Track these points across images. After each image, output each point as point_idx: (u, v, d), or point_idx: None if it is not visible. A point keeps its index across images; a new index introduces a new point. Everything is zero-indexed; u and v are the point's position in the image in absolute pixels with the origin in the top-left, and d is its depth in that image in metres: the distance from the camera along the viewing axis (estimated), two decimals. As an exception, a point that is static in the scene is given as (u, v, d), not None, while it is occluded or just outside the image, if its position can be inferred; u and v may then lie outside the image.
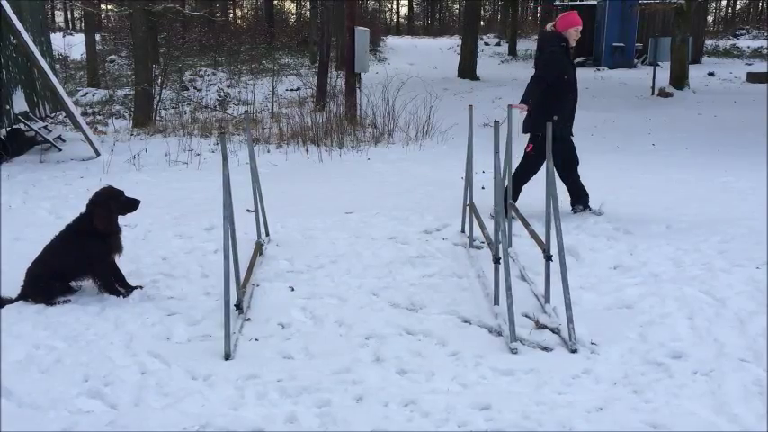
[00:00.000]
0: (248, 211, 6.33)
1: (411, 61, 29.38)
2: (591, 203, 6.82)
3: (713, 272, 5.14)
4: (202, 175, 9.04)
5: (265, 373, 3.79)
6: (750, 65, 28.09)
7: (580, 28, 6.56)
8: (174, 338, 4.29)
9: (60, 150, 10.67)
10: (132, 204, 5.08)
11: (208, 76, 22.39)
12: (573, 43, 6.60)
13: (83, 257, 4.82)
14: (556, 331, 4.29)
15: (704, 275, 5.08)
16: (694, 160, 10.15)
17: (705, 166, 9.59)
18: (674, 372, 3.76)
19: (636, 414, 3.38)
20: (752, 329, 4.21)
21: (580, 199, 6.80)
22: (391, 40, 42.13)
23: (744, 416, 3.33)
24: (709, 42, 35.77)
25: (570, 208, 6.80)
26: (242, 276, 4.74)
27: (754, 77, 22.43)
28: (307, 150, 10.67)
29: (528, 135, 6.70)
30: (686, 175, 8.96)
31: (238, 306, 4.48)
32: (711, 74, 24.44)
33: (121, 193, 5.05)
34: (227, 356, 3.98)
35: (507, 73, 25.80)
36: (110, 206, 4.92)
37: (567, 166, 6.65)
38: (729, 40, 41.02)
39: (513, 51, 34.20)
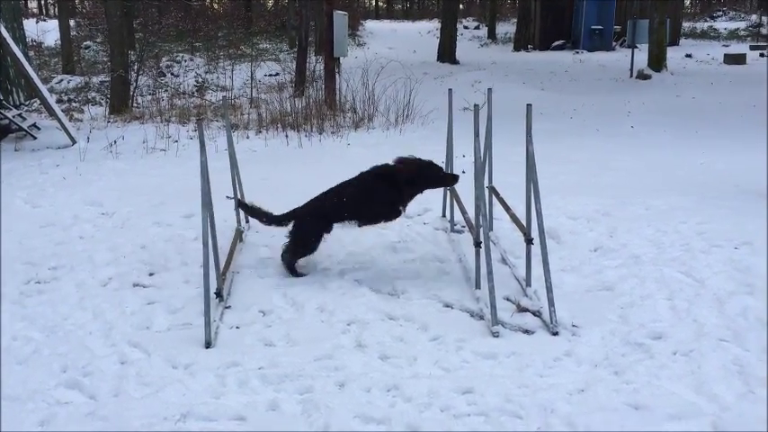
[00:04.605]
0: (227, 198, 6.27)
1: (390, 45, 29.27)
2: None
3: (692, 253, 5.18)
4: (181, 162, 8.94)
5: (247, 361, 3.77)
6: (727, 46, 28.29)
7: None
8: (153, 327, 4.25)
9: (35, 138, 10.51)
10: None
11: (185, 61, 22.11)
12: None
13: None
14: (537, 314, 4.30)
15: (684, 257, 5.12)
16: (673, 142, 10.22)
17: (683, 147, 9.65)
18: (654, 353, 3.79)
19: (617, 395, 3.40)
20: (731, 309, 4.25)
21: None
22: (370, 24, 41.94)
23: (723, 395, 3.37)
24: (686, 24, 35.98)
25: None
26: (222, 264, 4.70)
27: (730, 59, 22.60)
28: (286, 136, 10.59)
29: None
30: (665, 156, 9.02)
31: (219, 294, 4.45)
32: (689, 56, 24.58)
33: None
34: (208, 345, 3.96)
35: (487, 56, 25.79)
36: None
37: None
38: (706, 21, 41.28)
39: (492, 35, 34.17)
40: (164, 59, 21.39)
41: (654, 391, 3.43)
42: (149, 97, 15.62)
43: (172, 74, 19.86)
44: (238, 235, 5.62)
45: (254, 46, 23.59)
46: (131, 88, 14.55)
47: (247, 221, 6.07)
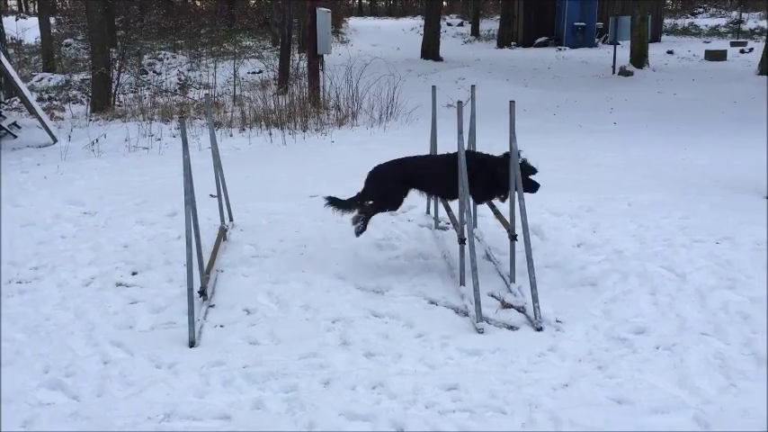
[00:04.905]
0: (211, 196, 6.25)
1: (374, 42, 29.21)
2: None
3: (674, 248, 5.21)
4: (164, 160, 8.89)
5: (231, 360, 3.75)
6: (708, 43, 28.53)
7: None
8: (137, 327, 4.23)
9: (16, 137, 10.41)
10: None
11: (167, 59, 21.94)
12: None
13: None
14: (521, 310, 4.32)
15: (666, 252, 5.16)
16: (655, 138, 10.28)
17: (665, 143, 9.72)
18: (637, 347, 3.82)
19: (601, 389, 3.43)
20: (712, 304, 4.29)
21: None
22: (354, 22, 41.85)
23: (705, 388, 3.40)
24: (667, 21, 36.23)
25: None
26: (206, 262, 4.68)
27: (711, 55, 22.79)
28: (270, 134, 10.56)
29: None
30: (647, 152, 9.08)
31: (202, 292, 4.43)
32: (670, 52, 24.75)
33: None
34: (192, 344, 3.94)
35: (470, 53, 25.83)
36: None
37: None
38: (688, 18, 41.59)
39: (475, 32, 34.22)
40: (146, 57, 21.23)
41: (637, 385, 3.46)
42: (131, 95, 15.51)
43: (154, 71, 19.71)
44: (222, 233, 5.59)
45: (237, 43, 23.49)
46: (113, 86, 14.43)
47: (231, 219, 6.04)
